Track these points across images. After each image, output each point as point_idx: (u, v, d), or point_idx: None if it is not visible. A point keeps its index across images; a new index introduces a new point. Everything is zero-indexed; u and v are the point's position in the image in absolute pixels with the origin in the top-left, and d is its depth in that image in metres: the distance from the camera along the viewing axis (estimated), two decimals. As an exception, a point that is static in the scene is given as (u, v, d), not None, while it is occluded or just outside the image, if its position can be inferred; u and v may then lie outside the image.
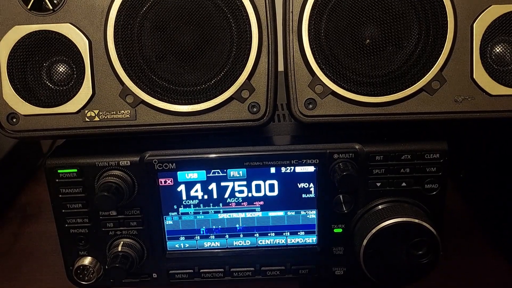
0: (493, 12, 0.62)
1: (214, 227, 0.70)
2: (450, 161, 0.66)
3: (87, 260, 0.70)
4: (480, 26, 0.62)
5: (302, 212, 0.69)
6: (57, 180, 0.66)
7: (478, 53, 0.62)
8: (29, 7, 0.62)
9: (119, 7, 0.61)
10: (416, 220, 0.63)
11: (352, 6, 0.62)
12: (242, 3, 0.62)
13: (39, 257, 0.87)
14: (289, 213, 0.69)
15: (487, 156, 0.92)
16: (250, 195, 0.68)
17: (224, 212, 0.69)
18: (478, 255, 0.84)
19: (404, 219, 0.63)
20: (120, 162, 0.65)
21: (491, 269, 0.81)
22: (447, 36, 0.62)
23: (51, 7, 0.62)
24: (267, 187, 0.68)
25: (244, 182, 0.67)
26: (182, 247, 0.71)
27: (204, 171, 0.67)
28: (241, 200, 0.68)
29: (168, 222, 0.69)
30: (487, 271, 0.80)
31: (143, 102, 0.64)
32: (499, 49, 0.63)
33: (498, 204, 0.87)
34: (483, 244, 0.87)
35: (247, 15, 0.62)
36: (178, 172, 0.66)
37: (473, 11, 0.62)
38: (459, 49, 0.63)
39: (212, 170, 0.67)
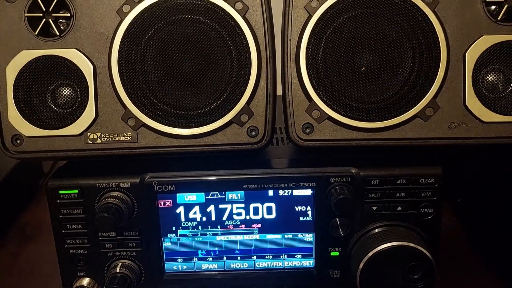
0: (484, 42, 0.64)
1: (212, 249, 0.70)
2: (445, 186, 0.67)
3: (85, 281, 0.70)
4: (472, 56, 0.64)
5: (299, 235, 0.70)
6: (58, 201, 0.67)
7: (470, 81, 0.64)
8: (36, 32, 0.64)
9: (123, 34, 0.63)
10: (412, 244, 0.64)
11: (348, 35, 0.64)
12: (242, 31, 0.64)
13: (37, 278, 0.86)
14: (286, 236, 0.70)
15: (484, 180, 0.93)
16: (248, 217, 0.69)
17: (222, 234, 0.70)
18: (476, 279, 0.84)
19: (400, 243, 0.64)
20: (121, 183, 0.67)
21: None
22: (440, 64, 0.64)
23: (57, 33, 0.64)
24: (265, 210, 0.69)
25: (242, 205, 0.68)
26: (180, 269, 0.71)
27: (203, 193, 0.68)
28: (239, 223, 0.69)
29: (166, 243, 0.70)
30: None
31: (145, 125, 0.65)
32: (491, 77, 0.65)
33: (495, 228, 0.88)
34: (481, 267, 0.87)
35: (247, 43, 0.64)
36: (177, 194, 0.67)
37: (465, 41, 0.64)
38: (452, 77, 0.64)
39: (211, 193, 0.68)
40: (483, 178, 0.93)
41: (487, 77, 0.65)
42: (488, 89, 0.65)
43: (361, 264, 0.64)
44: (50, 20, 0.64)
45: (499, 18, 0.64)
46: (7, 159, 0.67)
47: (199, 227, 0.69)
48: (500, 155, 0.83)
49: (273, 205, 0.68)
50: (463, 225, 1.00)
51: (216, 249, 0.70)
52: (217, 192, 0.68)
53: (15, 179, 1.10)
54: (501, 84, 0.65)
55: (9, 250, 0.96)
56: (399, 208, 0.67)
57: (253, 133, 0.66)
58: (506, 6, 0.63)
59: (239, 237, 0.70)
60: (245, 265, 0.71)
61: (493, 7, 0.65)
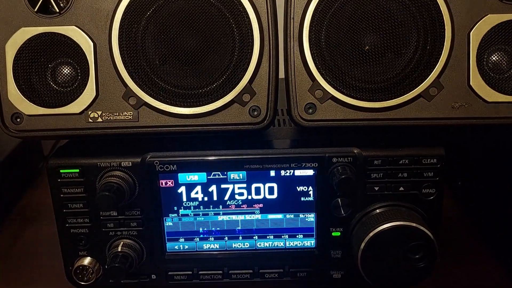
0: (489, 21, 0.63)
1: (213, 229, 0.70)
2: (447, 167, 0.67)
3: (86, 261, 0.70)
4: (476, 35, 0.63)
5: (301, 215, 0.70)
6: (59, 180, 0.67)
7: (474, 61, 0.64)
8: (36, 9, 0.63)
9: (124, 11, 0.62)
10: (414, 224, 0.64)
11: (352, 14, 0.63)
12: (245, 9, 0.63)
13: (38, 259, 0.87)
14: (288, 216, 0.70)
15: (484, 163, 0.93)
16: (249, 197, 0.69)
17: (223, 214, 0.70)
18: (474, 260, 0.84)
19: (402, 223, 0.64)
20: (122, 163, 0.66)
21: (488, 275, 0.81)
22: (445, 44, 0.63)
23: (57, 10, 0.63)
24: (267, 190, 0.68)
25: (244, 185, 0.68)
26: (182, 248, 0.71)
27: (205, 173, 0.67)
28: (240, 203, 0.69)
29: (168, 223, 0.70)
30: (484, 278, 0.80)
31: (146, 104, 0.65)
32: (496, 57, 0.65)
33: (495, 212, 0.88)
34: (480, 250, 0.87)
35: (249, 21, 0.63)
36: (179, 174, 0.67)
37: (470, 20, 0.63)
38: (456, 57, 0.64)
39: (213, 172, 0.67)
40: (483, 161, 0.93)
41: (492, 57, 0.65)
42: (492, 69, 0.65)
43: (363, 244, 0.64)
44: (49, -4, 0.63)
45: (505, -4, 0.63)
46: (7, 141, 0.66)
47: (201, 207, 0.69)
48: (502, 136, 0.83)
49: (275, 185, 0.68)
50: (463, 208, 1.00)
51: (218, 229, 0.70)
52: (219, 172, 0.67)
53: (15, 161, 1.09)
54: (505, 64, 0.65)
55: (10, 232, 0.96)
56: (401, 188, 0.67)
57: (255, 112, 0.66)
58: (512, -17, 0.63)
59: (240, 217, 0.70)
60: (247, 245, 0.71)
61: (499, -15, 0.64)
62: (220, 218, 0.70)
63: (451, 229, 0.94)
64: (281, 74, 0.68)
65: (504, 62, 0.65)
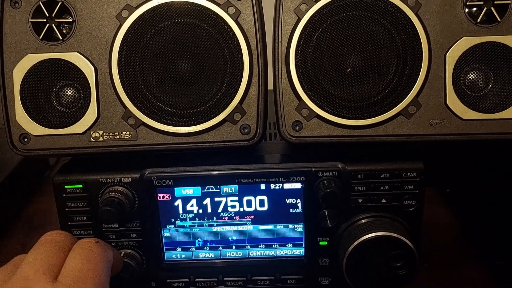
0: (464, 44, 0.67)
1: (208, 239, 0.75)
2: (426, 179, 0.71)
3: (90, 269, 0.74)
4: (452, 56, 0.67)
5: (290, 226, 0.74)
6: (64, 195, 0.71)
7: (450, 81, 0.68)
8: (41, 37, 0.68)
9: (122, 38, 0.67)
10: (395, 234, 0.68)
11: (335, 37, 0.67)
12: (235, 34, 0.68)
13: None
14: (278, 226, 0.74)
15: (471, 172, 0.97)
16: (241, 209, 0.73)
17: (217, 225, 0.74)
18: (463, 266, 0.87)
19: (384, 233, 0.68)
20: (122, 178, 0.71)
21: (475, 281, 0.84)
22: (422, 65, 0.67)
23: (61, 38, 0.68)
24: (258, 203, 0.73)
25: (236, 198, 0.72)
26: (179, 257, 0.76)
27: (199, 187, 0.72)
28: (233, 215, 0.73)
29: (165, 234, 0.74)
30: (471, 281, 0.83)
31: (144, 124, 0.69)
32: (472, 76, 0.68)
33: (482, 217, 0.92)
34: (469, 255, 0.90)
35: (239, 46, 0.68)
36: (175, 188, 0.72)
37: (446, 42, 0.67)
38: (433, 77, 0.68)
39: (207, 186, 0.72)
40: (469, 170, 0.96)
41: (468, 75, 0.68)
42: (469, 87, 0.68)
43: (347, 253, 0.68)
44: (53, 25, 0.68)
45: (478, 20, 0.67)
46: (15, 154, 0.71)
47: (196, 218, 0.74)
48: (481, 150, 0.87)
49: (265, 198, 0.72)
50: (452, 214, 1.04)
51: (212, 239, 0.75)
52: (212, 186, 0.72)
53: (22, 172, 1.14)
54: (481, 82, 0.68)
55: (17, 240, 1.01)
56: (383, 200, 0.71)
57: (246, 130, 0.70)
58: (485, 8, 0.66)
59: (233, 228, 0.74)
60: (240, 254, 0.75)
61: (473, 9, 0.68)
62: (215, 229, 0.74)
63: (441, 233, 0.97)
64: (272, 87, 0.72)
65: (480, 80, 0.69)
